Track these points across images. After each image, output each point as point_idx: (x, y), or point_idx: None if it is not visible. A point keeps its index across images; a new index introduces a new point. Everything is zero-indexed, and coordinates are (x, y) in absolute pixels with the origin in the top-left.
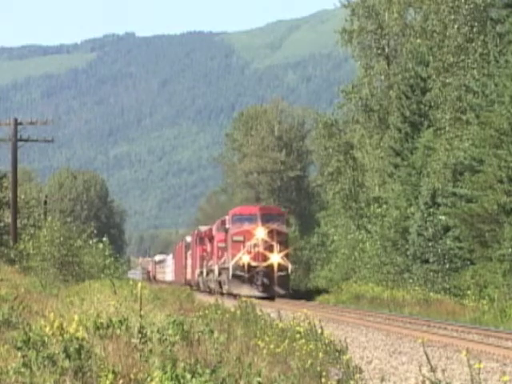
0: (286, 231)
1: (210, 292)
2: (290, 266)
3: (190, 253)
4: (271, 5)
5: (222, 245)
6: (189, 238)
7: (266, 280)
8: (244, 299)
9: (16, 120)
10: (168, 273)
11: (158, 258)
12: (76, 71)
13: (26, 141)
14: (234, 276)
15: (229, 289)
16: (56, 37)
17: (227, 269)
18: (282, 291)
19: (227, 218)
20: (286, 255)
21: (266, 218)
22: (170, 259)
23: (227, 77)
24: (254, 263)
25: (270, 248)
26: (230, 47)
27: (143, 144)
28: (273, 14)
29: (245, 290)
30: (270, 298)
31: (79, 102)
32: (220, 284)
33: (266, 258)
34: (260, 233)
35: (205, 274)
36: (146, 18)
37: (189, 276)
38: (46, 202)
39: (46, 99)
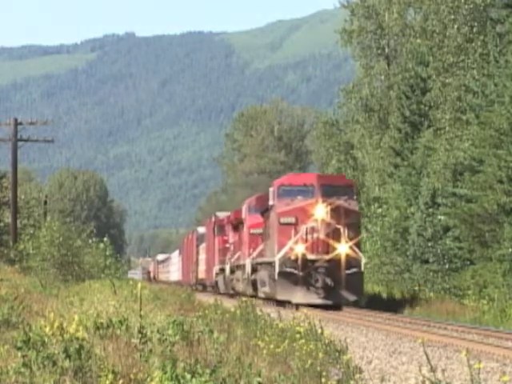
0: (357, 209)
1: (236, 295)
2: (363, 260)
3: (203, 246)
4: (271, 5)
5: (256, 231)
6: (202, 229)
7: (329, 280)
8: (244, 299)
9: (16, 120)
10: (173, 272)
11: (160, 257)
12: (76, 71)
13: (26, 141)
14: (282, 274)
15: (271, 292)
16: (56, 37)
17: (270, 264)
18: (351, 297)
19: (271, 190)
20: (357, 244)
21: (329, 191)
22: (175, 256)
23: (227, 77)
24: (311, 256)
25: (335, 234)
26: (229, 47)
27: (143, 144)
28: (273, 14)
29: (297, 295)
30: (335, 306)
31: (79, 102)
32: (254, 285)
33: (329, 249)
34: (320, 211)
35: (227, 271)
36: (146, 18)
37: (202, 275)
38: (45, 202)
39: (46, 99)
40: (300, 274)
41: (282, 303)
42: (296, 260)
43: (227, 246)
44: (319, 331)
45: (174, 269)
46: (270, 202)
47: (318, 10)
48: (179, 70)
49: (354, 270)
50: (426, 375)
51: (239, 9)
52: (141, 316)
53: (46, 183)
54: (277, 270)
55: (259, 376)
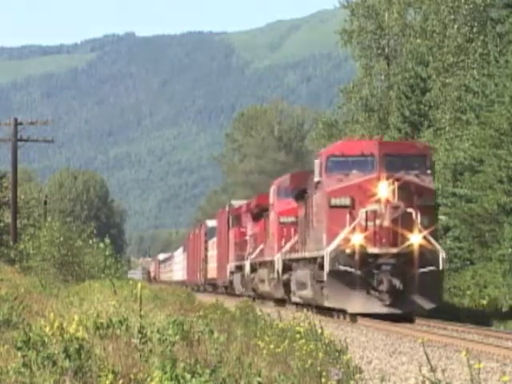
0: (433, 187)
1: (259, 298)
2: (443, 254)
3: (213, 241)
4: (271, 5)
5: (288, 219)
6: (211, 222)
7: (397, 282)
8: (244, 298)
9: (16, 120)
10: (176, 271)
11: (162, 256)
12: (76, 71)
13: (26, 141)
14: (333, 274)
15: (314, 297)
16: (56, 37)
17: (313, 260)
18: (427, 304)
19: (317, 163)
20: (434, 233)
21: (395, 162)
22: (179, 254)
23: (227, 77)
24: (373, 249)
25: (404, 219)
26: (229, 47)
27: (143, 144)
28: (273, 14)
29: (354, 302)
30: (405, 316)
31: (79, 102)
32: (287, 287)
33: (397, 240)
34: (385, 190)
35: (247, 269)
36: (145, 18)
37: (212, 273)
38: (45, 202)
39: (46, 99)
40: (358, 273)
41: (282, 302)
42: (352, 255)
43: (245, 238)
44: (319, 331)
45: (177, 268)
46: (316, 178)
47: (318, 10)
48: (179, 70)
49: (431, 267)
50: (426, 375)
51: (239, 9)
52: (141, 316)
53: (45, 183)
54: (327, 268)
55: (259, 376)
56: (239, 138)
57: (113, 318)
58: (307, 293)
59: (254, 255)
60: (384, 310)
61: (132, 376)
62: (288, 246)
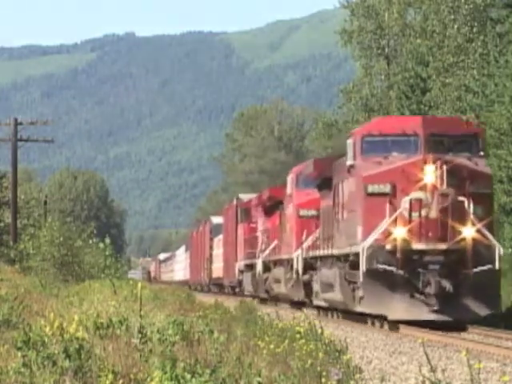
0: (489, 171)
1: (275, 301)
2: (500, 251)
3: (219, 239)
4: (271, 5)
5: (309, 212)
6: (217, 219)
7: (446, 284)
8: (245, 299)
9: (16, 120)
10: (178, 271)
11: (162, 256)
12: (76, 71)
13: (26, 141)
14: (371, 274)
15: (345, 301)
16: (56, 37)
17: (344, 258)
18: (483, 309)
19: (349, 143)
20: (490, 226)
21: (443, 143)
22: (181, 253)
23: (227, 77)
24: (418, 244)
25: (455, 210)
26: (229, 47)
27: (143, 144)
28: (273, 14)
29: (396, 308)
30: (456, 325)
31: (79, 102)
32: (308, 289)
33: (446, 233)
34: (431, 175)
35: (259, 268)
36: (146, 18)
37: (218, 273)
38: (45, 202)
39: (46, 99)
40: (400, 273)
41: (300, 305)
42: (393, 251)
43: (256, 235)
44: (319, 331)
45: (179, 267)
46: (349, 162)
47: (318, 10)
48: (179, 69)
49: (487, 266)
50: (426, 375)
51: (239, 9)
52: (141, 316)
53: (45, 183)
54: (362, 266)
55: (259, 376)
56: (239, 138)
57: (113, 318)
58: (334, 295)
59: (266, 253)
60: (431, 317)
61: (132, 376)
62: (308, 242)
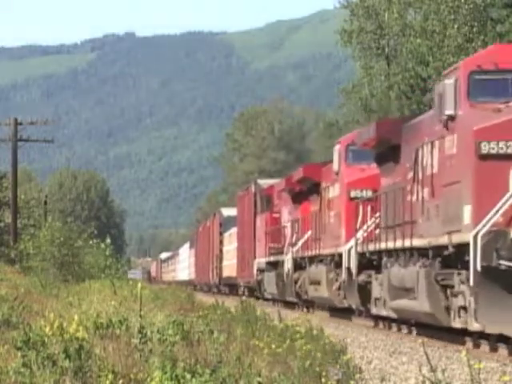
0: None
1: (307, 306)
2: None
3: (231, 234)
4: (271, 5)
5: (363, 193)
6: (228, 211)
7: None
8: (244, 298)
9: (16, 120)
10: (181, 270)
11: (164, 255)
12: (76, 71)
13: (26, 141)
14: (489, 274)
15: (435, 312)
16: (56, 37)
17: (439, 251)
18: None
19: (448, 85)
20: None
21: None
22: (184, 252)
23: (227, 77)
24: None
25: None
26: (229, 47)
27: (143, 144)
28: (273, 14)
29: None
30: None
31: (79, 102)
32: (365, 293)
33: None
34: None
35: (288, 266)
36: (145, 18)
37: (230, 272)
38: (46, 202)
39: (46, 99)
40: None
41: (346, 312)
42: None
43: (281, 226)
44: (319, 331)
45: (182, 266)
46: (448, 111)
47: (318, 10)
48: (179, 69)
49: None
50: (426, 375)
51: (239, 9)
52: (141, 316)
53: (46, 183)
54: (477, 263)
55: (259, 376)
56: (239, 138)
57: (113, 318)
58: (415, 304)
59: (297, 247)
60: None
61: (132, 376)
62: (363, 231)
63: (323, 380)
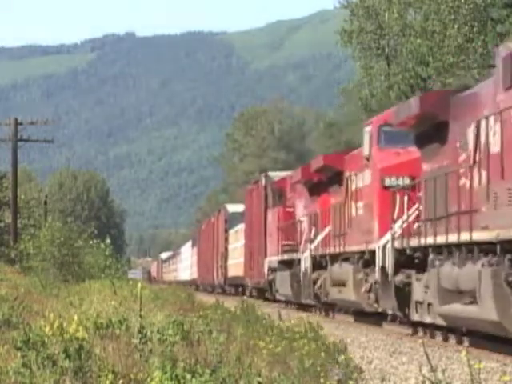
0: None
1: (326, 308)
2: None
3: (237, 230)
4: (271, 5)
5: (398, 181)
6: (234, 207)
7: None
8: (244, 298)
9: (16, 120)
10: (183, 270)
11: (164, 254)
12: (76, 71)
13: (27, 141)
14: None
15: (503, 321)
16: (56, 37)
17: None
18: None
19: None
20: None
21: None
22: (186, 250)
23: (227, 77)
24: None
25: None
26: (229, 47)
27: (143, 144)
28: (273, 14)
29: None
30: None
31: (79, 102)
32: (403, 296)
33: None
34: None
35: (305, 265)
36: (145, 18)
37: (236, 271)
38: (46, 202)
39: (46, 99)
40: None
41: (375, 318)
42: None
43: (296, 221)
44: (319, 331)
45: (184, 266)
46: None
47: (318, 10)
48: (179, 69)
49: None
50: (427, 375)
51: (239, 9)
52: (141, 316)
53: (46, 183)
54: None
55: (259, 376)
56: (239, 138)
57: (113, 318)
58: (477, 311)
59: (315, 244)
60: None
61: (132, 376)
62: (399, 225)
63: (323, 380)
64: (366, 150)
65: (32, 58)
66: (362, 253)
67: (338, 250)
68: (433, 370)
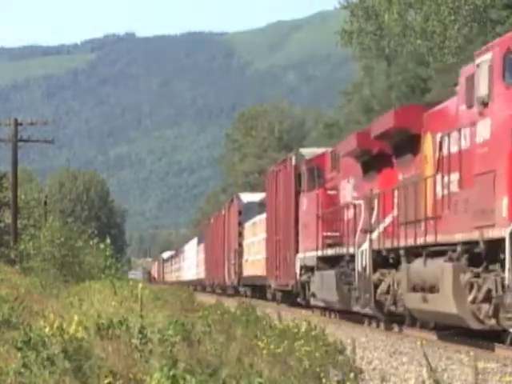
0: None
1: (391, 320)
2: None
3: (252, 223)
4: (271, 5)
5: None
6: (249, 196)
7: None
8: (244, 299)
9: (16, 120)
10: (188, 269)
11: (166, 254)
12: (76, 71)
13: (27, 141)
14: None
15: None
16: (56, 37)
17: None
18: None
19: None
20: None
21: None
22: (191, 247)
23: (227, 77)
24: None
25: None
26: (230, 47)
27: (143, 144)
28: (273, 14)
29: None
30: None
31: (79, 103)
32: None
33: None
34: None
35: (363, 264)
36: (146, 18)
37: (253, 270)
38: (46, 203)
39: (47, 100)
40: None
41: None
42: None
43: (344, 206)
44: (319, 331)
45: (188, 264)
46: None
47: (319, 11)
48: (179, 69)
49: None
50: (426, 376)
51: (239, 9)
52: (141, 316)
53: (46, 183)
54: None
55: (260, 376)
56: (239, 138)
57: (113, 319)
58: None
59: (378, 234)
60: None
61: (132, 376)
62: None
63: (323, 380)
64: (481, 89)
65: (32, 58)
66: (471, 244)
67: (422, 241)
68: (432, 370)
